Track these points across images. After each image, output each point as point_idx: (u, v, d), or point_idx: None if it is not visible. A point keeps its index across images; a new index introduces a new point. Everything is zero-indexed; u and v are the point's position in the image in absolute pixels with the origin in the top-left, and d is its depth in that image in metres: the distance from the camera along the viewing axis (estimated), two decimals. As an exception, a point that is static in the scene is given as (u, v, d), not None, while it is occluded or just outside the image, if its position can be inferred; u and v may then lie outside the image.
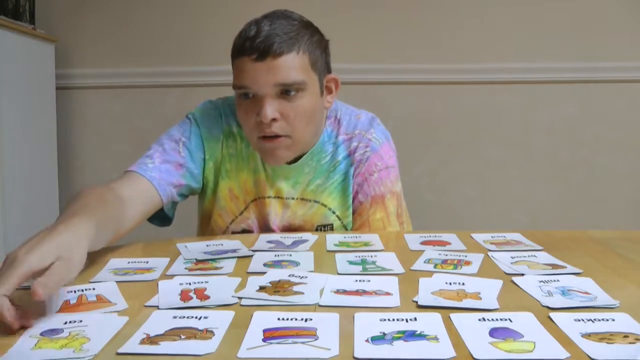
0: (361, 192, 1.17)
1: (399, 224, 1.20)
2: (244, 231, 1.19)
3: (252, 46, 1.00)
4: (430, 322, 0.63)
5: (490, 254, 0.94)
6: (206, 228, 1.24)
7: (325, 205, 1.18)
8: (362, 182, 1.17)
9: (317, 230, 1.18)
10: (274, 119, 1.02)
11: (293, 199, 1.17)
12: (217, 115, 1.17)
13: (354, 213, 1.19)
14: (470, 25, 2.35)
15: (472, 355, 0.55)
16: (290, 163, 1.14)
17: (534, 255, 0.93)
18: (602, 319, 0.63)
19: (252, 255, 0.94)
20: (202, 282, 0.79)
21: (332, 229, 1.18)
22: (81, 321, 0.65)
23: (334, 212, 1.18)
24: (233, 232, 1.19)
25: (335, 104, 1.20)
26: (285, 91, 1.02)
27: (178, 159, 1.12)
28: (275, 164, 1.10)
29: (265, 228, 1.18)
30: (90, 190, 0.90)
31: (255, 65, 1.00)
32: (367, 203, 1.17)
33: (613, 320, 0.63)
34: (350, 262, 0.90)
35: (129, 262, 0.92)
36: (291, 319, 0.64)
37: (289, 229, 1.18)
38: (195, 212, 1.31)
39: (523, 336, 0.59)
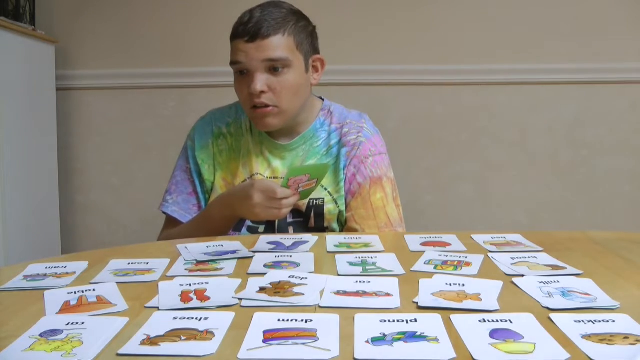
0: (359, 174, 1.26)
1: (395, 206, 1.27)
2: None
3: (245, 30, 1.17)
4: (431, 323, 0.63)
5: (490, 255, 0.95)
6: None
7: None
8: (359, 164, 1.26)
9: (310, 203, 1.25)
10: (262, 92, 1.17)
11: None
12: (206, 126, 1.33)
13: (353, 194, 1.26)
14: (471, 27, 2.35)
15: (472, 357, 0.55)
16: (284, 143, 1.27)
17: (534, 256, 0.93)
18: (603, 320, 0.63)
19: (252, 257, 0.95)
20: (202, 283, 0.79)
21: (323, 202, 1.26)
22: (83, 323, 0.65)
23: (326, 189, 1.27)
24: None
25: (328, 102, 1.35)
26: (273, 68, 1.17)
27: (189, 186, 1.31)
28: (265, 129, 1.24)
29: None
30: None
31: (247, 46, 1.17)
32: (367, 184, 1.25)
33: (613, 321, 0.63)
34: (351, 264, 0.90)
35: (129, 263, 0.92)
36: (291, 320, 0.64)
37: None
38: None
39: (523, 337, 0.59)
